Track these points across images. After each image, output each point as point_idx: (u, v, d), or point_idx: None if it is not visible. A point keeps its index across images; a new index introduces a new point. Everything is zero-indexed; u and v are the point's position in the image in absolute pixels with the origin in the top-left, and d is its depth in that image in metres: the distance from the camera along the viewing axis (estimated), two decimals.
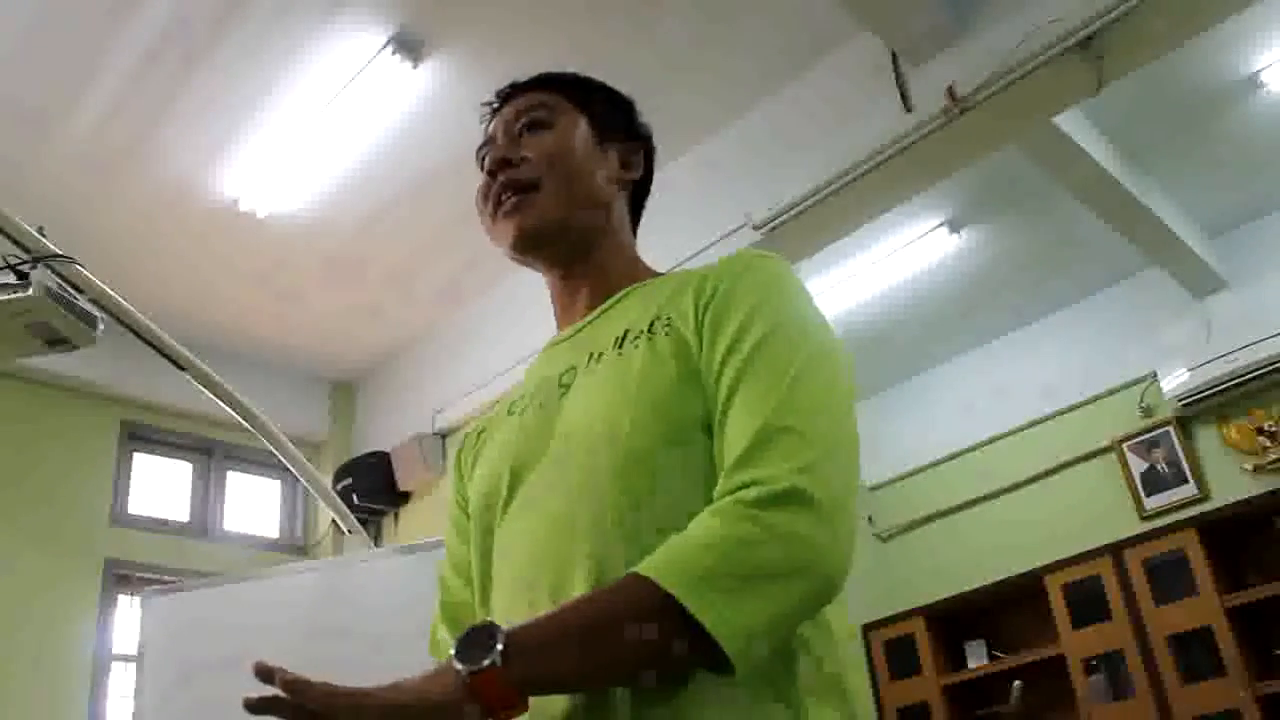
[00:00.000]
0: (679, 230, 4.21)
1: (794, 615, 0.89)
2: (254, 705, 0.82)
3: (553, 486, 1.02)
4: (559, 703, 0.91)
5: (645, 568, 0.86)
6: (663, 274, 1.21)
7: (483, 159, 1.22)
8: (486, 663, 0.82)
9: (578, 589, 0.94)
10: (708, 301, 1.04)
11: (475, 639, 0.84)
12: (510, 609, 1.00)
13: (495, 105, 1.26)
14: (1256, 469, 4.78)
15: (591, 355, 1.09)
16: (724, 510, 0.88)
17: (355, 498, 4.99)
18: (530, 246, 1.18)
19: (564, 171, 1.17)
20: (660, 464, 0.97)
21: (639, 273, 1.22)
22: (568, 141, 1.19)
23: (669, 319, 1.05)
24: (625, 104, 1.30)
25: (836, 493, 0.90)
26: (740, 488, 0.89)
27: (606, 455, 0.98)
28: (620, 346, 1.06)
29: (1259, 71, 4.22)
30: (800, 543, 0.86)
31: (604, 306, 1.16)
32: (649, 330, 1.05)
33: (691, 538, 0.88)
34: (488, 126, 1.25)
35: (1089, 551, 5.15)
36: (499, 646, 0.82)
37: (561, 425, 1.06)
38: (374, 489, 5.09)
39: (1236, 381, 4.79)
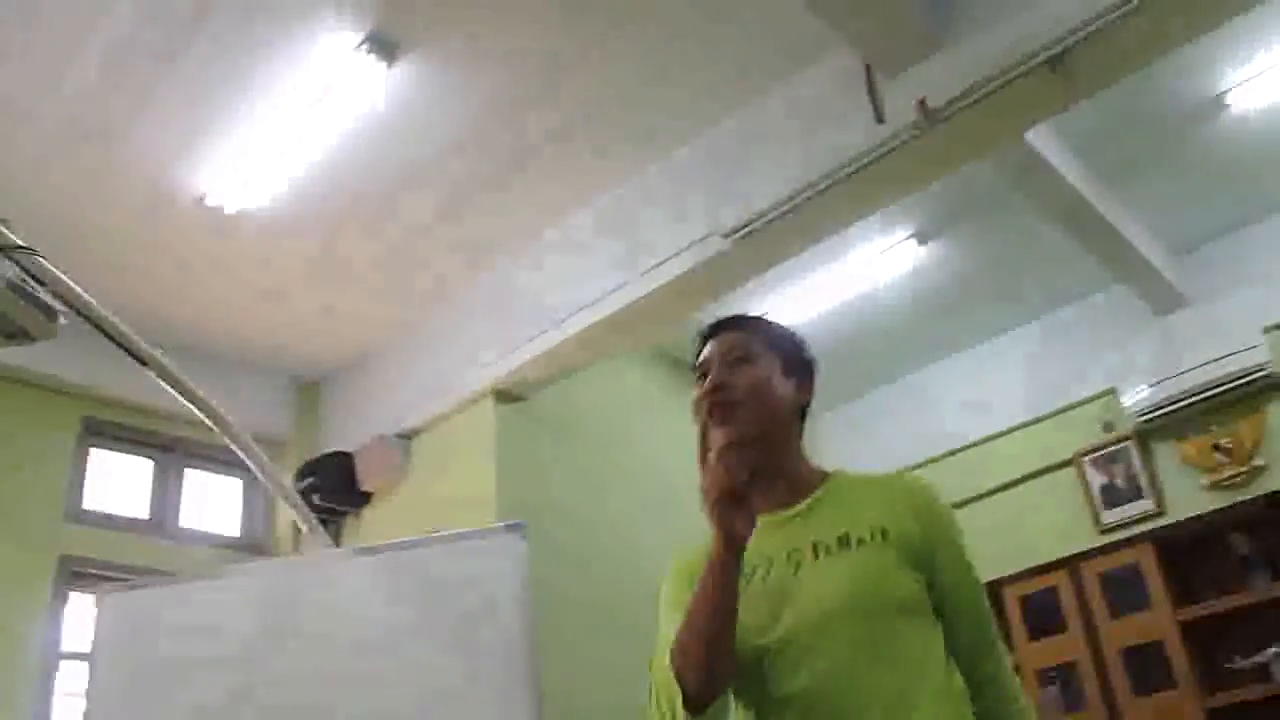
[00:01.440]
0: (650, 236, 4.22)
1: None
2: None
3: (825, 648, 1.45)
4: None
5: None
6: (831, 472, 1.67)
7: (700, 376, 1.64)
8: None
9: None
10: (928, 526, 1.58)
11: None
12: None
13: (706, 335, 1.69)
14: (1213, 485, 4.84)
15: (816, 545, 1.54)
16: (1015, 693, 1.59)
17: (317, 497, 4.94)
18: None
19: (762, 398, 1.60)
20: (906, 637, 1.47)
21: (816, 475, 1.66)
22: (766, 376, 1.62)
23: (885, 529, 1.53)
24: (800, 342, 1.74)
25: None
26: (998, 673, 1.58)
27: (864, 627, 1.46)
28: (849, 545, 1.52)
29: (1224, 93, 4.29)
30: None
31: (807, 503, 1.60)
32: (872, 538, 1.52)
33: (1020, 713, 1.58)
34: (700, 350, 1.68)
35: (1047, 564, 5.20)
36: None
37: (815, 599, 1.48)
38: (336, 488, 5.05)
39: (1195, 399, 4.85)
